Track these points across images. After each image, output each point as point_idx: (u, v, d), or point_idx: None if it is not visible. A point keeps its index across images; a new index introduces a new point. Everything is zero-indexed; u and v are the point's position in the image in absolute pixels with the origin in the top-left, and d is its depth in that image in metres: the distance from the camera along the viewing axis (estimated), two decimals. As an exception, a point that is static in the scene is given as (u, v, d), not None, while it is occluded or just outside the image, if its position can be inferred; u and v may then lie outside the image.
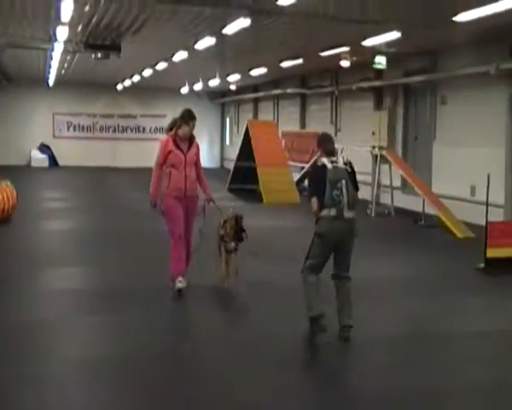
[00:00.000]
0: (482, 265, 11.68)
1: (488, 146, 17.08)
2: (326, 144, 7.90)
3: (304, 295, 7.63)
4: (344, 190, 7.48)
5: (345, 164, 7.71)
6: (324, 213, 7.44)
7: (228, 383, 6.55)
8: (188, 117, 9.50)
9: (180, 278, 9.40)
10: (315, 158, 8.18)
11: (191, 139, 9.62)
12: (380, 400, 6.15)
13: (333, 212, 7.41)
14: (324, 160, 7.65)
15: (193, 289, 9.64)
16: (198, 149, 9.78)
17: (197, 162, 9.75)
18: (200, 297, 9.64)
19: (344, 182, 7.52)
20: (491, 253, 11.70)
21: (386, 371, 6.98)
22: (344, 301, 7.62)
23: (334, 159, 7.68)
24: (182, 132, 9.41)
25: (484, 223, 12.06)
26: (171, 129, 9.62)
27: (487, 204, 12.23)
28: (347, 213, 7.50)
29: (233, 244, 9.83)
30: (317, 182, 7.62)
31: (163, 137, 9.84)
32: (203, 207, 9.99)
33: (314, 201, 7.54)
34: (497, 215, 14.80)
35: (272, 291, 9.98)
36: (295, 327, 8.03)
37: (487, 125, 17.30)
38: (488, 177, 12.39)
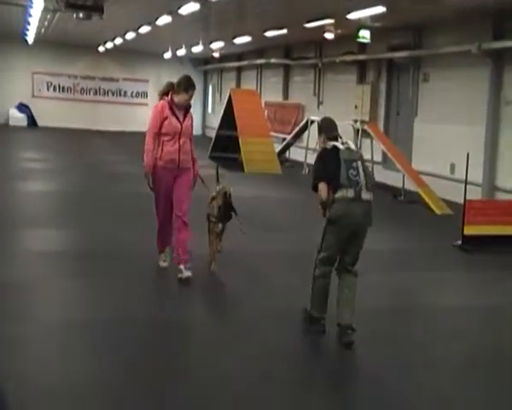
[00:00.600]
0: (459, 242, 11.80)
1: (468, 125, 17.22)
2: (329, 131, 7.13)
3: (312, 291, 6.93)
4: (360, 171, 6.73)
5: (358, 149, 7.21)
6: (340, 194, 6.62)
7: (207, 352, 6.61)
8: (187, 84, 8.57)
9: (164, 254, 9.14)
10: (320, 147, 7.16)
11: (187, 107, 8.71)
12: (358, 371, 6.35)
13: (350, 193, 6.59)
14: (334, 142, 6.92)
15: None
16: (192, 120, 8.90)
17: (191, 134, 8.87)
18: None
19: (360, 162, 6.81)
20: (469, 230, 11.84)
21: (370, 342, 7.00)
22: (348, 297, 6.82)
23: (344, 141, 7.02)
24: (178, 100, 8.50)
25: (462, 201, 12.16)
26: (165, 94, 8.69)
27: (466, 182, 12.32)
28: (365, 195, 6.68)
29: (220, 226, 9.05)
30: (327, 163, 6.85)
31: (159, 102, 8.72)
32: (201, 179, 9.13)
33: (323, 186, 6.76)
34: (475, 193, 14.97)
35: (257, 262, 9.85)
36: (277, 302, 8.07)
37: (468, 104, 17.43)
38: (467, 155, 12.46)
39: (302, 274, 7.91)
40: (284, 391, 5.85)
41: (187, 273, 8.53)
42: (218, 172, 9.77)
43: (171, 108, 8.49)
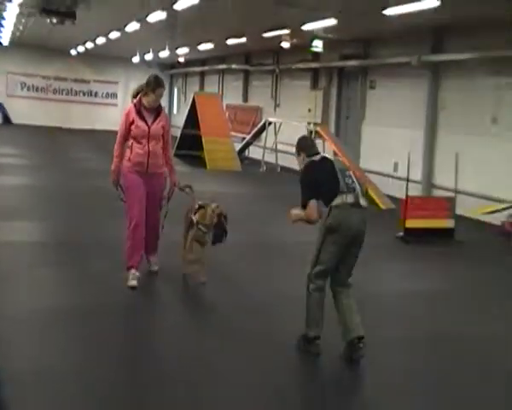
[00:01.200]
0: (401, 234, 11.91)
1: (409, 128, 17.50)
2: (309, 149, 6.44)
3: (307, 309, 6.11)
4: (354, 179, 6.16)
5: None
6: (339, 200, 5.92)
7: (186, 335, 6.67)
8: (154, 84, 7.68)
9: (133, 271, 7.77)
10: (300, 166, 6.38)
11: (158, 110, 7.84)
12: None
13: (350, 198, 5.95)
14: (320, 155, 6.41)
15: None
16: (166, 121, 7.98)
17: (165, 136, 7.89)
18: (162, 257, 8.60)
19: (351, 172, 6.28)
20: (409, 223, 11.94)
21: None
22: (353, 306, 6.07)
23: (328, 155, 6.53)
24: (146, 101, 7.64)
25: (404, 196, 12.29)
26: (135, 96, 7.84)
27: (407, 180, 12.53)
28: (363, 201, 6.10)
29: (207, 237, 7.92)
30: (317, 177, 6.13)
31: (127, 106, 7.93)
32: (168, 193, 8.19)
33: (312, 205, 6.02)
34: (415, 190, 15.20)
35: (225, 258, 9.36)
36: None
37: (409, 109, 17.72)
38: (409, 155, 12.66)
39: (262, 261, 8.01)
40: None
41: (154, 267, 8.21)
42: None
43: (138, 112, 7.67)
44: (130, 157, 7.71)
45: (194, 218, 7.96)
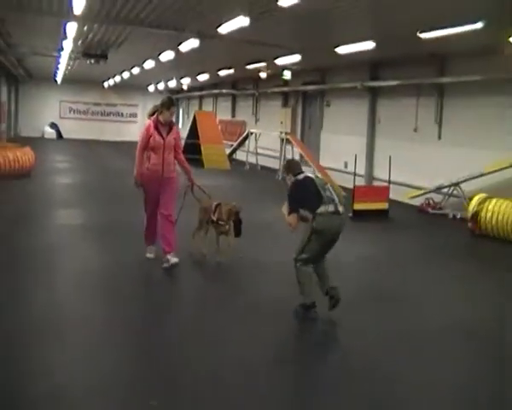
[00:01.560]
0: (350, 214, 11.86)
1: (355, 135, 17.53)
2: (295, 169, 6.10)
3: (299, 284, 5.84)
4: (332, 191, 5.97)
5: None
6: (322, 209, 5.72)
7: (197, 300, 6.51)
8: (168, 103, 7.29)
9: (151, 247, 7.70)
10: (291, 181, 6.04)
11: (171, 125, 7.37)
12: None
13: (331, 208, 5.75)
14: (305, 174, 6.10)
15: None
16: (178, 134, 7.53)
17: (176, 147, 7.45)
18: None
19: (329, 185, 6.08)
20: (356, 206, 12.03)
21: (280, 286, 6.70)
22: (326, 274, 5.99)
23: (309, 173, 6.24)
24: (163, 118, 7.18)
25: (352, 186, 12.45)
26: (153, 114, 7.40)
27: (355, 174, 12.66)
28: (341, 208, 5.87)
29: (227, 227, 7.51)
30: (302, 193, 5.88)
31: (147, 122, 7.44)
32: (185, 192, 7.76)
33: (293, 217, 5.79)
34: (360, 181, 15.33)
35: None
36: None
37: (355, 122, 17.73)
38: (355, 156, 12.83)
39: (249, 235, 8.02)
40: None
41: (174, 259, 7.16)
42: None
43: (156, 127, 7.20)
44: (148, 166, 7.26)
45: (214, 216, 7.55)
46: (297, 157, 20.05)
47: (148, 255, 7.68)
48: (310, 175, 6.11)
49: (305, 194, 5.84)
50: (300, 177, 5.95)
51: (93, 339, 5.02)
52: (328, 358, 5.18)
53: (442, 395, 4.40)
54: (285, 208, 5.93)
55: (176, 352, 4.93)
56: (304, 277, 5.78)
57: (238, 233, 7.51)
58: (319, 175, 6.00)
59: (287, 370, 4.72)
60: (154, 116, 7.31)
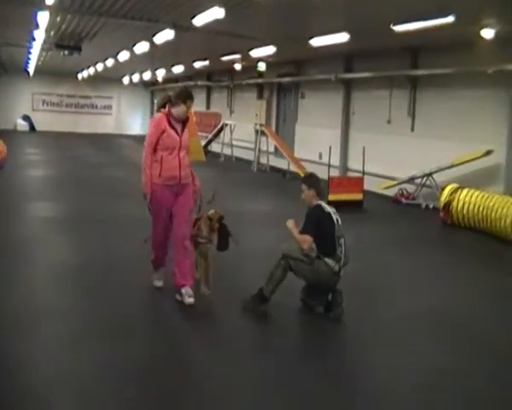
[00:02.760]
0: None
1: (330, 127, 17.60)
2: (319, 185, 5.68)
3: (270, 276, 5.49)
4: (343, 248, 5.49)
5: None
6: (330, 262, 5.39)
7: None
8: (185, 95, 5.84)
9: (159, 272, 6.19)
10: (313, 202, 5.57)
11: (185, 121, 5.87)
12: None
13: (336, 268, 5.41)
14: (329, 209, 5.57)
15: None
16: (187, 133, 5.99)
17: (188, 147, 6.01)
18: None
19: (343, 240, 5.52)
20: (331, 197, 11.83)
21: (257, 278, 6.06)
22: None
23: (334, 210, 5.61)
24: (176, 112, 5.75)
25: (327, 177, 12.37)
26: (163, 106, 5.89)
27: (329, 165, 12.75)
28: (341, 272, 5.52)
29: (208, 246, 6.01)
30: (324, 227, 5.43)
31: (156, 114, 5.93)
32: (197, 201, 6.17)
33: (309, 239, 5.33)
34: (335, 172, 15.41)
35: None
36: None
37: (330, 114, 17.80)
38: (330, 148, 12.91)
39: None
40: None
41: (189, 300, 5.70)
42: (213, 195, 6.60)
43: (169, 122, 5.74)
44: (160, 172, 5.69)
45: (193, 232, 6.02)
46: (272, 149, 20.13)
47: (157, 284, 6.14)
48: (333, 217, 5.52)
49: (324, 230, 5.40)
50: (326, 207, 5.52)
51: (66, 333, 4.97)
52: (299, 346, 5.21)
53: (412, 381, 4.47)
54: (291, 223, 5.51)
55: (149, 342, 4.91)
56: (278, 275, 5.45)
57: (224, 246, 6.11)
58: (338, 217, 5.61)
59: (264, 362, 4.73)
60: (166, 109, 5.86)
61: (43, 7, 11.49)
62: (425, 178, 13.24)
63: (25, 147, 23.45)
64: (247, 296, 5.63)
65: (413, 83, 14.46)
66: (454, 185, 11.23)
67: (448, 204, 10.96)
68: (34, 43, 18.22)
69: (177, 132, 5.75)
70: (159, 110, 5.91)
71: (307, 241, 5.35)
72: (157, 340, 5.04)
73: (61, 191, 12.93)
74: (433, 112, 13.83)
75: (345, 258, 5.50)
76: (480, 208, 10.35)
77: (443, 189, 11.50)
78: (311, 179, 5.73)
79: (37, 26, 14.07)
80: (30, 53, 22.03)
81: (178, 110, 5.76)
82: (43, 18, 12.58)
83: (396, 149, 14.81)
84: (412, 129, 14.56)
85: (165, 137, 5.70)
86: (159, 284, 6.15)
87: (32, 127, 34.88)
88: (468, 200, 10.64)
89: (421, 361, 4.84)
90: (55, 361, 4.40)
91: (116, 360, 4.47)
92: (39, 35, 15.69)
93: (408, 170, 13.68)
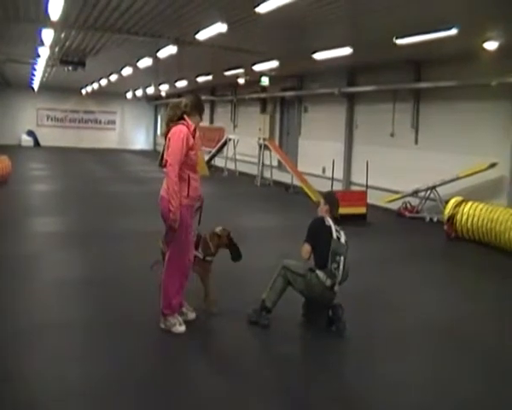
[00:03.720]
0: None
1: (333, 141, 17.60)
2: (334, 209, 5.78)
3: (271, 286, 5.62)
4: (341, 267, 5.49)
5: (345, 242, 5.65)
6: (322, 276, 5.44)
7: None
8: (201, 106, 5.43)
9: (176, 315, 5.37)
10: (322, 214, 5.74)
11: (194, 132, 5.30)
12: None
13: (328, 282, 5.43)
14: (332, 224, 5.61)
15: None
16: None
17: None
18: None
19: (342, 258, 5.52)
20: None
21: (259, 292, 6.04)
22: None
23: (338, 228, 5.67)
24: (192, 124, 5.30)
25: (330, 191, 12.53)
26: (180, 118, 5.26)
27: (332, 179, 12.75)
28: (336, 288, 5.53)
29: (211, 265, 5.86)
30: (320, 236, 5.53)
31: (179, 127, 5.19)
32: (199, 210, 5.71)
33: (307, 248, 5.53)
34: (338, 186, 15.43)
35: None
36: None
37: (333, 128, 17.79)
38: (333, 161, 12.91)
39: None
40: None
41: (192, 315, 5.62)
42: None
43: (193, 136, 5.23)
44: (188, 192, 5.19)
45: (199, 253, 5.73)
46: (275, 163, 20.13)
47: (179, 329, 5.31)
48: (334, 233, 5.55)
49: (319, 242, 5.51)
50: (328, 223, 5.60)
51: (69, 347, 4.96)
52: (305, 358, 5.17)
53: (417, 397, 4.41)
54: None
55: (153, 355, 4.88)
56: (278, 285, 5.58)
57: (238, 256, 5.97)
58: (343, 236, 5.65)
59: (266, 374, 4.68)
60: (187, 121, 5.27)
61: (47, 24, 11.58)
62: (429, 192, 13.20)
63: (29, 162, 23.57)
64: (250, 310, 5.67)
65: (416, 96, 14.47)
66: (458, 198, 11.19)
67: (452, 217, 10.92)
68: (39, 60, 18.38)
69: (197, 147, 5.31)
70: (174, 121, 5.28)
71: (305, 250, 5.56)
72: (162, 353, 5.03)
73: (65, 206, 12.94)
74: (437, 125, 13.83)
75: (342, 276, 5.53)
76: (485, 221, 10.30)
77: (447, 202, 11.46)
78: (330, 197, 5.99)
79: (41, 43, 14.19)
80: (35, 69, 22.23)
81: (194, 122, 5.33)
82: (47, 35, 12.68)
83: (399, 162, 14.80)
84: (416, 142, 14.55)
85: (192, 154, 5.20)
86: (181, 328, 5.32)
87: (37, 142, 35.11)
88: (473, 213, 10.59)
89: (424, 377, 4.79)
90: (59, 375, 4.39)
91: (120, 374, 4.45)
92: (44, 51, 15.82)
93: (411, 183, 13.65)
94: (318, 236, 5.57)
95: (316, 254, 5.57)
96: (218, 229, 5.89)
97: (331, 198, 5.93)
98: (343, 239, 5.63)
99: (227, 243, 5.89)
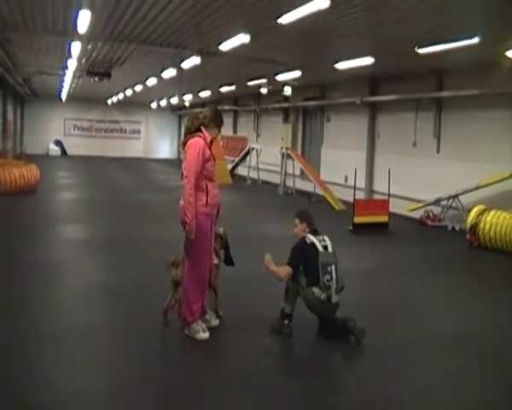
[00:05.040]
0: (351, 227, 12.00)
1: (355, 150, 17.59)
2: (311, 224, 5.76)
3: (285, 290, 5.65)
4: (334, 275, 5.45)
5: (333, 249, 5.64)
6: (316, 291, 5.41)
7: None
8: (220, 119, 5.59)
9: (200, 322, 5.41)
10: (301, 236, 5.67)
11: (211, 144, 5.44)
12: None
13: (323, 296, 5.39)
14: (313, 239, 5.57)
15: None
16: None
17: None
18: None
19: (333, 267, 5.49)
20: (357, 219, 12.02)
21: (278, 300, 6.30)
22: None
23: (321, 238, 5.64)
24: (211, 136, 5.42)
25: (352, 200, 12.41)
26: (198, 129, 5.39)
27: (355, 188, 12.66)
28: (335, 298, 5.47)
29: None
30: (307, 259, 5.49)
31: (195, 139, 5.31)
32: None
33: (288, 270, 5.45)
34: (360, 195, 15.35)
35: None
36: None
37: (355, 137, 17.77)
38: (355, 170, 12.86)
39: (244, 247, 8.01)
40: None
41: (215, 321, 5.68)
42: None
43: (209, 147, 5.34)
44: (207, 201, 5.24)
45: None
46: (298, 172, 20.15)
47: (203, 336, 5.34)
48: (318, 247, 5.53)
49: (305, 262, 5.50)
50: (309, 240, 5.55)
51: (93, 354, 5.03)
52: (328, 367, 5.17)
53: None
54: (267, 259, 5.56)
55: (170, 362, 4.92)
56: (292, 288, 5.57)
57: (230, 261, 5.91)
58: (329, 244, 5.65)
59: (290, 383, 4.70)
60: (204, 133, 5.37)
61: (75, 37, 11.83)
62: (451, 200, 13.10)
63: (56, 171, 23.91)
64: (273, 318, 5.68)
65: (438, 105, 14.40)
66: (481, 207, 11.08)
67: (475, 226, 10.81)
68: (67, 72, 18.78)
69: (213, 157, 5.38)
70: (191, 133, 5.38)
71: (285, 272, 5.45)
72: (180, 361, 5.05)
73: (92, 214, 13.10)
74: (459, 134, 13.73)
75: (337, 285, 5.49)
76: (508, 230, 10.19)
77: (469, 210, 11.35)
78: (302, 214, 5.85)
79: (69, 55, 14.49)
80: (63, 81, 22.68)
81: (212, 134, 5.44)
82: (75, 47, 12.96)
83: (421, 171, 14.72)
84: (438, 151, 14.45)
85: (209, 165, 5.26)
86: (205, 335, 5.35)
87: (64, 152, 35.77)
88: (495, 221, 10.48)
89: (447, 387, 4.73)
90: (83, 378, 4.46)
91: (141, 381, 4.50)
92: (72, 63, 16.16)
93: (434, 192, 13.56)
94: (305, 257, 5.51)
95: (306, 274, 5.50)
96: (221, 230, 5.83)
97: (303, 214, 5.85)
98: (330, 247, 5.60)
99: (226, 244, 5.84)
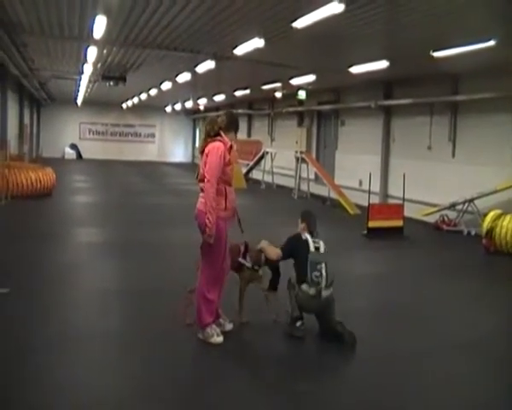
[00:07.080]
0: (365, 232, 11.96)
1: (370, 154, 17.54)
2: (312, 226, 5.91)
3: (288, 295, 5.75)
4: (323, 273, 5.55)
5: (325, 250, 5.72)
6: (304, 288, 5.54)
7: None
8: (237, 124, 5.61)
9: (214, 326, 5.40)
10: (299, 231, 5.85)
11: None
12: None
13: (312, 291, 5.51)
14: (309, 238, 5.72)
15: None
16: None
17: None
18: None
19: (323, 264, 5.59)
20: (371, 224, 11.98)
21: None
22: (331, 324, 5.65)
23: (316, 240, 5.74)
24: (228, 140, 5.39)
25: (367, 204, 12.36)
26: (217, 133, 5.36)
27: (369, 192, 12.61)
28: (324, 292, 5.54)
29: (260, 272, 5.91)
30: (296, 249, 5.67)
31: (216, 143, 5.27)
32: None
33: (278, 252, 5.72)
34: (375, 199, 15.30)
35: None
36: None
37: (370, 141, 17.73)
38: (370, 174, 12.78)
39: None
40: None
41: (229, 326, 5.67)
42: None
43: (229, 151, 5.32)
44: (226, 205, 5.30)
45: (247, 262, 5.83)
46: (312, 176, 20.13)
47: (217, 340, 5.35)
48: (311, 246, 5.66)
49: (296, 255, 5.69)
50: (304, 237, 5.74)
51: (110, 356, 5.06)
52: (340, 374, 5.16)
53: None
54: (265, 243, 5.86)
55: (186, 365, 4.95)
56: (292, 296, 5.72)
57: (275, 286, 6.02)
58: (322, 246, 5.73)
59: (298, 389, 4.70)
60: (223, 138, 5.36)
61: (91, 42, 11.95)
62: (466, 205, 13.01)
63: (72, 174, 24.13)
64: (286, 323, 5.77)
65: (453, 108, 14.32)
66: (497, 211, 10.99)
67: (491, 231, 10.72)
68: (83, 76, 18.97)
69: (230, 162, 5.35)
70: (211, 137, 5.36)
71: (275, 252, 5.77)
72: (196, 364, 5.06)
73: (107, 217, 13.18)
74: (474, 137, 13.63)
75: (326, 281, 5.60)
76: (525, 235, 10.09)
77: (485, 215, 11.26)
78: (305, 214, 6.12)
79: (85, 60, 14.64)
80: (79, 85, 22.92)
81: (229, 138, 5.43)
82: (91, 52, 13.09)
83: (437, 175, 14.64)
84: (453, 155, 14.37)
85: (228, 170, 5.27)
86: (219, 339, 5.36)
87: (79, 155, 36.16)
88: (512, 226, 10.39)
89: (463, 394, 4.69)
90: (97, 380, 4.50)
91: (156, 384, 4.51)
92: (87, 68, 16.33)
93: (449, 196, 13.48)
94: (296, 249, 5.71)
95: (296, 268, 5.70)
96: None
97: (306, 215, 6.09)
98: (322, 249, 5.72)
99: (277, 266, 6.01)
